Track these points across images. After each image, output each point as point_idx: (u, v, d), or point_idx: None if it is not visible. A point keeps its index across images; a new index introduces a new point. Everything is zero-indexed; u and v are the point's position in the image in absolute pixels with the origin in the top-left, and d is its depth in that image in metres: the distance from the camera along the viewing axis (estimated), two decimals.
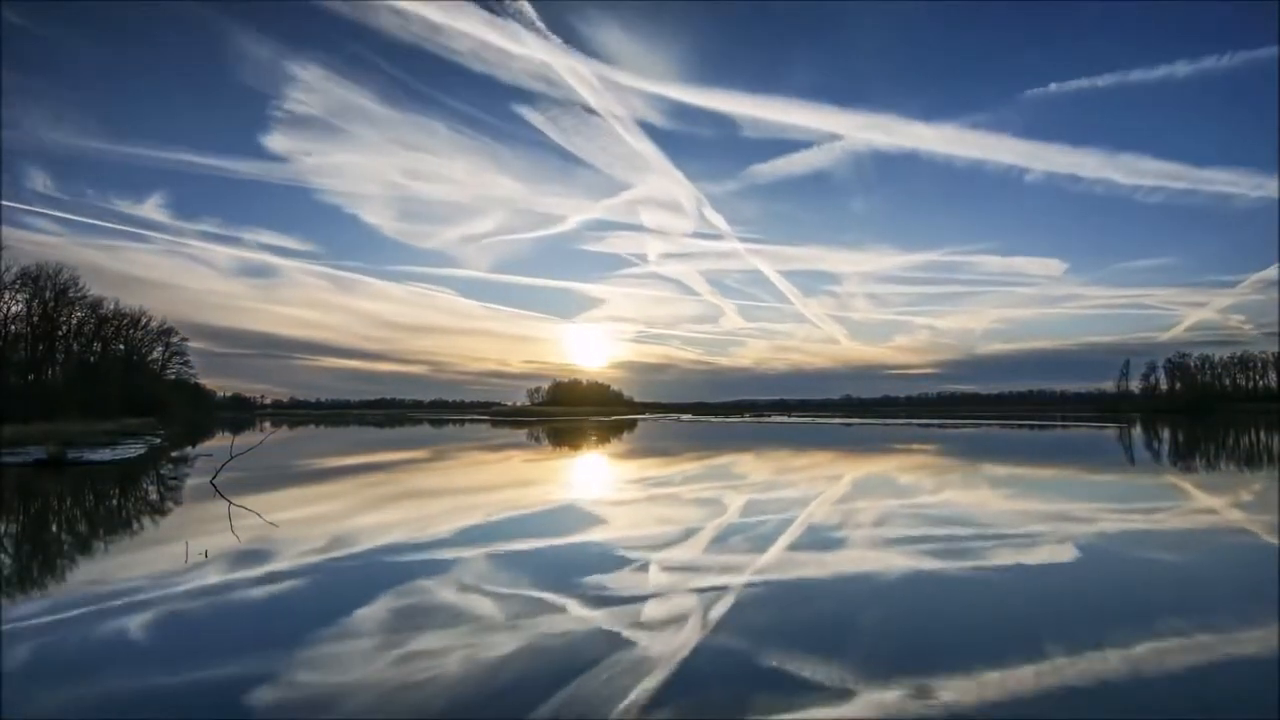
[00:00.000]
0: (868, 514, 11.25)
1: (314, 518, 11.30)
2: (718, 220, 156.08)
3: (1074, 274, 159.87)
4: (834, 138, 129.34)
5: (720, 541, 9.27)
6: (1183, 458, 24.61)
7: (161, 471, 20.67)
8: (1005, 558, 8.19)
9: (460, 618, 6.00)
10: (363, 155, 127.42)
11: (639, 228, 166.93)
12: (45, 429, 32.36)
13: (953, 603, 6.53)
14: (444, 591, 6.83)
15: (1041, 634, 5.49)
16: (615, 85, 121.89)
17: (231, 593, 6.88)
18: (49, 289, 53.28)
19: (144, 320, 60.93)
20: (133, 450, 26.36)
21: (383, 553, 8.69)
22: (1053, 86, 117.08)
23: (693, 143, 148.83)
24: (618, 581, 7.25)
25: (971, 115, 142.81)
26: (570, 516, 11.48)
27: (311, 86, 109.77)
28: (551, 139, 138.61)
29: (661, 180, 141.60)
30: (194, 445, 32.78)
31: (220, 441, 36.38)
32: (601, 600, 6.54)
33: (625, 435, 44.75)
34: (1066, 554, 8.36)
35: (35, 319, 53.10)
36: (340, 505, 12.86)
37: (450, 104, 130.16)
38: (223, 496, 13.55)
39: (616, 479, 17.04)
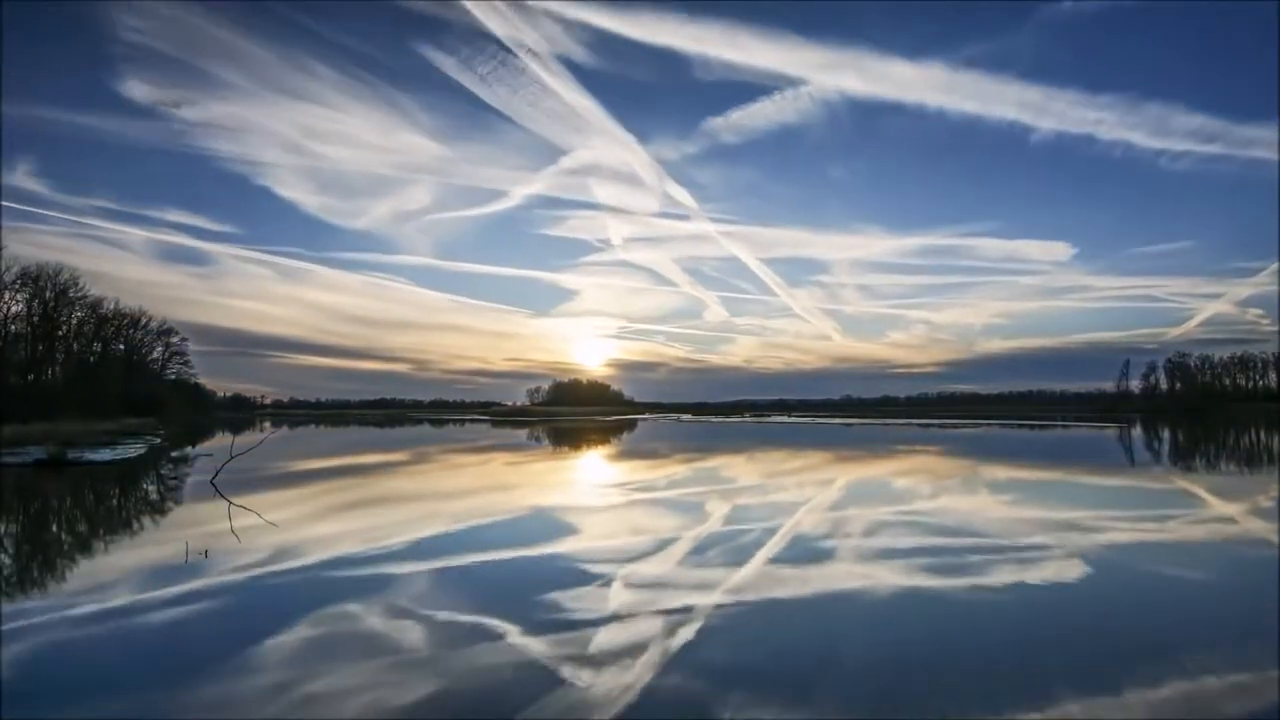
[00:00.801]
0: (858, 523, 10.35)
1: (265, 527, 10.45)
2: (683, 196, 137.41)
3: (1081, 261, 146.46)
4: (798, 82, 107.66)
5: (696, 554, 8.39)
6: (1189, 460, 23.62)
7: (161, 471, 20.34)
8: (1006, 575, 7.29)
9: (377, 650, 5.12)
10: (242, 107, 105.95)
11: (595, 205, 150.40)
12: (45, 429, 32.00)
13: (947, 631, 5.63)
14: (371, 617, 5.96)
15: (1051, 674, 4.60)
16: (526, 9, 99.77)
17: (130, 617, 6.02)
18: (49, 289, 52.69)
19: (144, 320, 60.31)
20: (133, 450, 26.00)
21: (322, 568, 7.82)
22: (1068, 3, 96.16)
23: (632, 88, 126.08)
24: (573, 602, 6.38)
25: (968, 46, 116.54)
26: (538, 525, 10.61)
27: (151, 11, 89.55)
28: (465, 86, 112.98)
29: (607, 144, 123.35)
30: (194, 445, 32.34)
31: (220, 441, 35.95)
32: (548, 626, 5.66)
33: (621, 436, 43.88)
34: (1075, 571, 7.45)
35: (35, 319, 52.46)
36: (298, 512, 12.01)
37: (333, 38, 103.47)
38: (223, 496, 13.16)
39: (598, 482, 16.17)
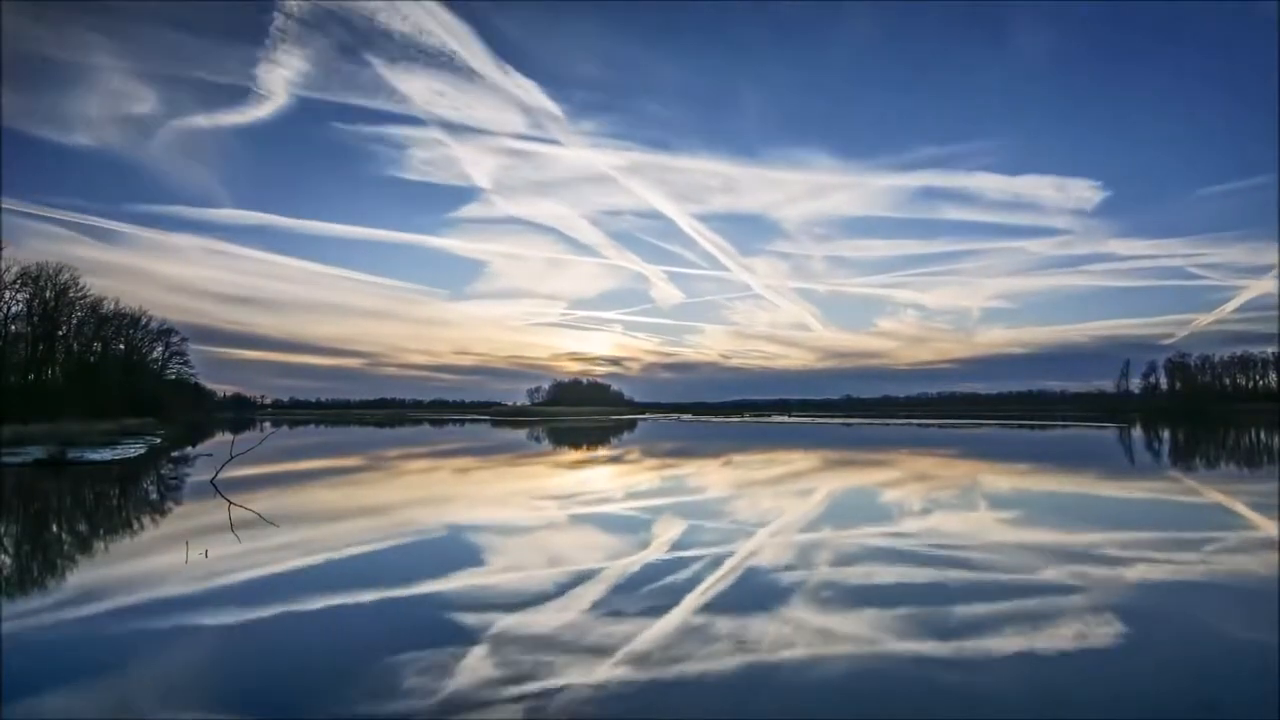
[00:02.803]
0: (828, 550, 8.25)
1: (111, 554, 8.47)
2: (537, 98, 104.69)
3: (1112, 211, 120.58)
4: None
5: (613, 595, 6.35)
6: (1210, 465, 21.32)
7: (162, 471, 19.69)
8: (1011, 636, 5.19)
9: None
10: None
11: (413, 119, 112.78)
12: (45, 429, 31.58)
13: None
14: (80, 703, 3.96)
15: None
16: None
17: None
18: (49, 289, 51.35)
19: (144, 320, 58.76)
20: (133, 450, 25.24)
21: (99, 616, 5.83)
22: None
23: None
24: (402, 677, 4.35)
25: None
26: (437, 552, 8.55)
27: None
28: None
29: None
30: (194, 445, 31.15)
31: (220, 441, 34.77)
32: None
33: (612, 438, 41.90)
34: (1105, 631, 5.34)
35: (35, 319, 51.09)
36: (166, 531, 10.06)
37: None
38: (223, 496, 12.48)
39: (546, 494, 13.80)
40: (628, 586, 6.64)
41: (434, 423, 74.72)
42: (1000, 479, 15.60)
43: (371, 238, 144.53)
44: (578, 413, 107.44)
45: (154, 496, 14.39)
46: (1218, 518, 10.64)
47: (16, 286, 48.59)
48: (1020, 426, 51.27)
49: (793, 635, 5.21)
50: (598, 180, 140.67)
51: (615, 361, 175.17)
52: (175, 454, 26.60)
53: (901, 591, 6.42)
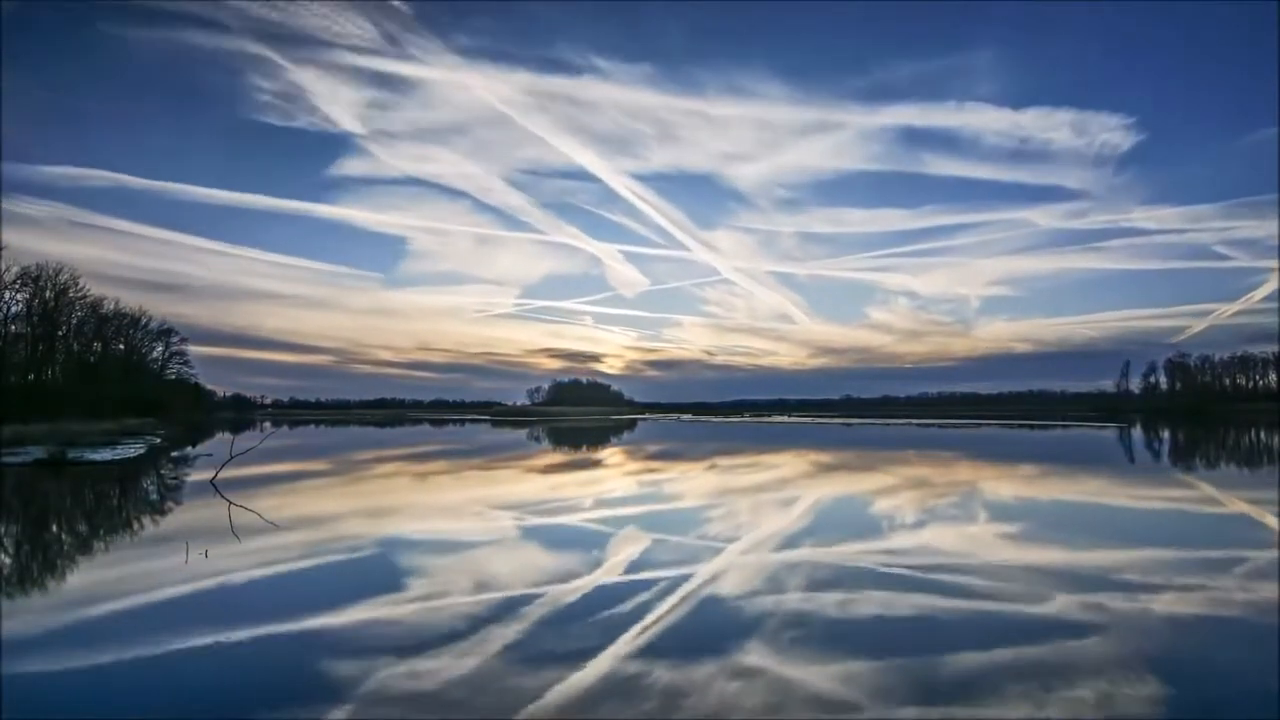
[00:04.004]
0: (803, 572, 7.06)
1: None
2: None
3: (1141, 164, 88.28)
4: None
5: (538, 631, 5.18)
6: (1224, 469, 20.01)
7: (161, 471, 19.25)
8: (1010, 699, 4.00)
9: None
10: None
11: (216, 24, 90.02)
12: (45, 429, 30.88)
13: None
14: None
15: None
16: None
17: None
18: (49, 289, 50.63)
19: (144, 320, 57.91)
20: (133, 450, 24.76)
21: None
22: None
23: None
24: None
25: None
26: (357, 572, 7.38)
27: None
28: None
29: None
30: (194, 445, 30.41)
31: (220, 441, 34.00)
32: None
33: (605, 438, 40.77)
34: (1132, 691, 4.14)
35: (35, 319, 50.35)
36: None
37: None
38: (223, 496, 12.24)
39: (505, 502, 12.29)
40: (557, 621, 5.47)
41: (434, 423, 73.69)
42: (1001, 485, 14.35)
43: (239, 203, 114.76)
44: (578, 413, 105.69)
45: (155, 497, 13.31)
46: (1246, 532, 9.36)
47: (16, 286, 47.90)
48: (1020, 426, 49.85)
49: (738, 695, 4.03)
50: (496, 123, 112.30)
51: (594, 358, 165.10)
52: (175, 454, 25.99)
53: (882, 632, 5.22)
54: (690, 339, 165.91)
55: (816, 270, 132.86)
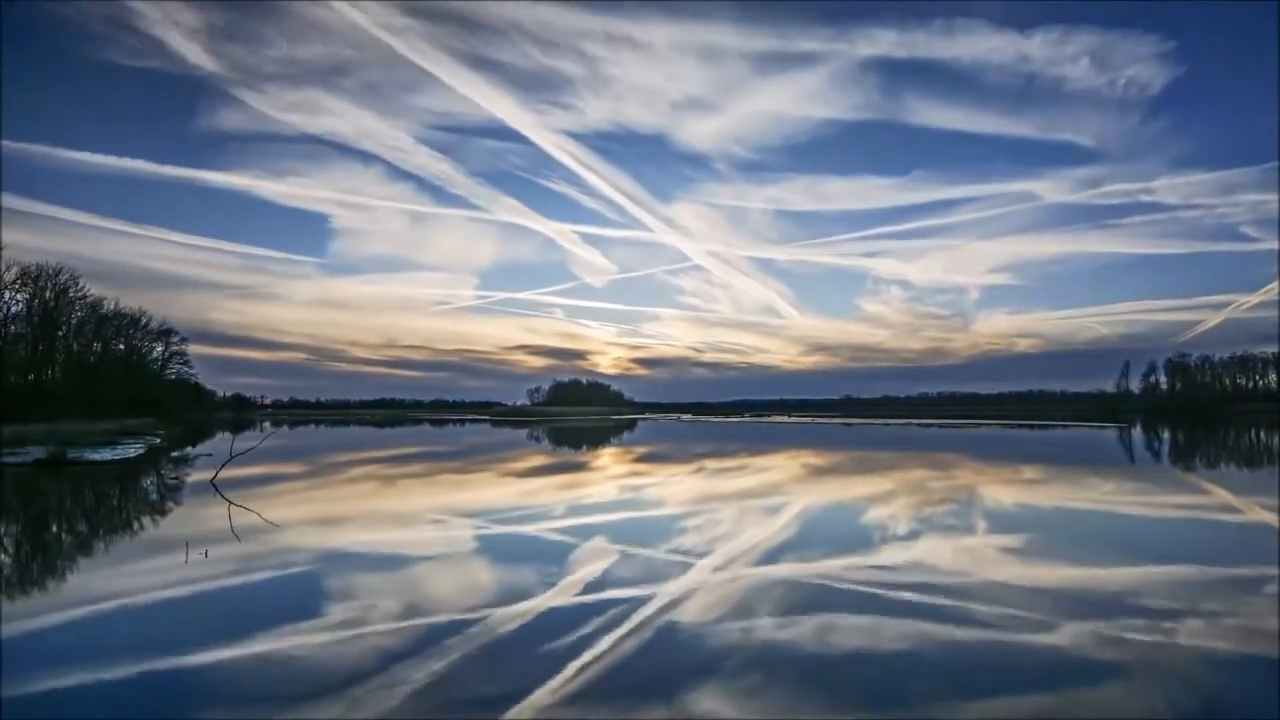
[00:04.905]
0: (778, 593, 6.20)
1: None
2: None
3: (1174, 112, 65.75)
4: None
5: (463, 668, 4.35)
6: (1235, 471, 19.03)
7: (161, 471, 18.88)
8: None
9: None
10: None
11: None
12: (45, 429, 30.64)
13: None
14: None
15: None
16: None
17: None
18: (49, 289, 50.12)
19: (144, 320, 57.28)
20: (132, 450, 24.49)
21: None
22: None
23: None
24: None
25: None
26: (279, 592, 6.54)
27: None
28: None
29: None
30: (194, 445, 29.94)
31: (220, 441, 33.40)
32: None
33: (600, 439, 39.94)
34: None
35: (35, 319, 49.84)
36: None
37: None
38: (223, 497, 12.04)
39: (470, 509, 11.31)
40: (488, 655, 4.62)
41: (434, 423, 72.91)
42: (1003, 490, 13.43)
43: (113, 170, 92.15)
44: (578, 413, 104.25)
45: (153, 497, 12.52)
46: (1271, 543, 8.43)
47: (16, 286, 47.41)
48: (1020, 427, 48.81)
49: None
50: (381, 59, 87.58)
51: (579, 355, 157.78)
52: (191, 453, 25.48)
53: (861, 673, 4.35)
54: (674, 334, 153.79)
55: (797, 255, 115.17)
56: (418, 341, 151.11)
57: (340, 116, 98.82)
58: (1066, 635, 4.96)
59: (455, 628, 5.17)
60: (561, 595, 6.08)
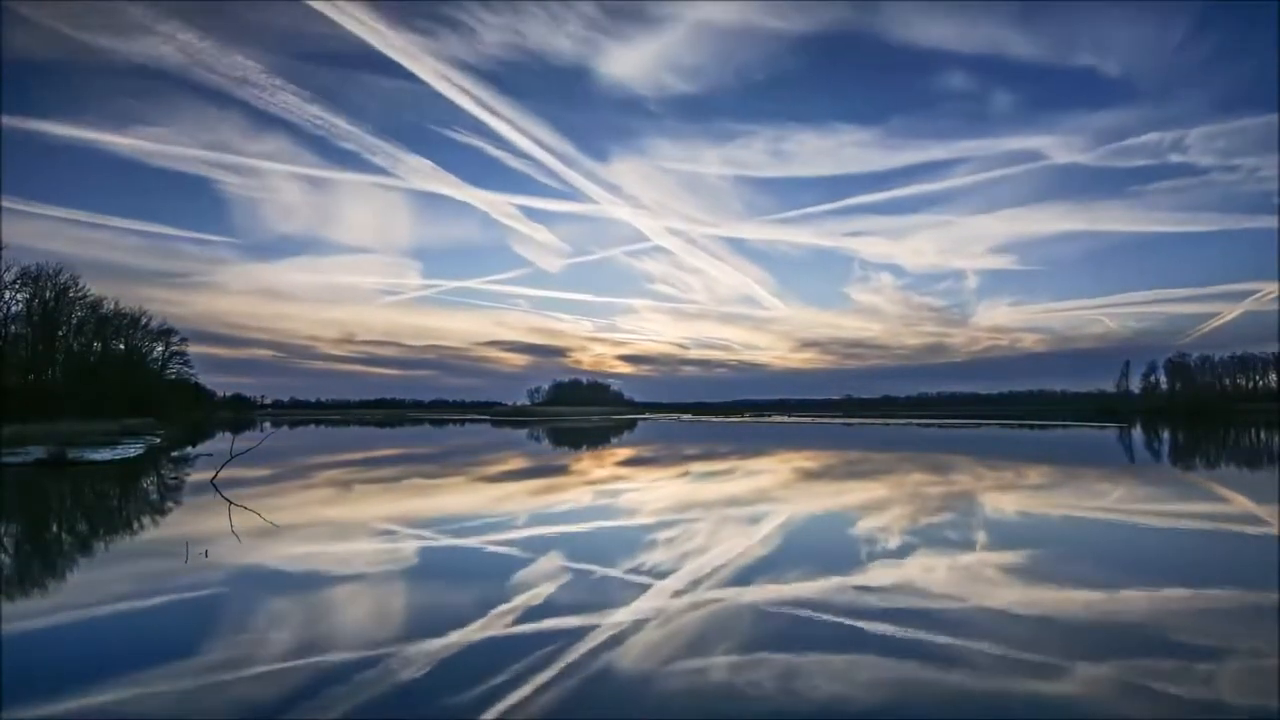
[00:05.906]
0: (743, 623, 5.24)
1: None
2: None
3: (1216, 36, 50.55)
4: None
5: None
6: (1250, 476, 17.98)
7: (161, 471, 18.63)
8: None
9: None
10: None
11: None
12: (45, 429, 30.05)
13: None
14: None
15: None
16: None
17: None
18: (49, 289, 49.60)
19: (144, 320, 56.62)
20: (132, 450, 24.19)
21: None
22: None
23: None
24: None
25: None
26: (180, 617, 5.64)
27: None
28: None
29: None
30: (194, 445, 29.42)
31: (220, 441, 32.82)
32: None
33: (598, 439, 39.03)
34: None
35: (35, 319, 49.31)
36: None
37: None
38: (223, 497, 11.87)
39: (424, 518, 10.43)
40: (374, 707, 3.69)
41: (434, 423, 72.09)
42: (1004, 497, 12.38)
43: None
44: (579, 413, 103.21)
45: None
46: None
47: (16, 286, 46.90)
48: (1021, 427, 47.68)
49: None
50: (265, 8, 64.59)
51: (560, 352, 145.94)
52: (191, 453, 25.00)
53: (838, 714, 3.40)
54: (653, 329, 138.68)
55: (771, 234, 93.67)
56: (376, 336, 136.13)
57: (160, 36, 68.23)
58: (1079, 683, 4.01)
59: (346, 672, 4.24)
60: (490, 627, 5.14)
